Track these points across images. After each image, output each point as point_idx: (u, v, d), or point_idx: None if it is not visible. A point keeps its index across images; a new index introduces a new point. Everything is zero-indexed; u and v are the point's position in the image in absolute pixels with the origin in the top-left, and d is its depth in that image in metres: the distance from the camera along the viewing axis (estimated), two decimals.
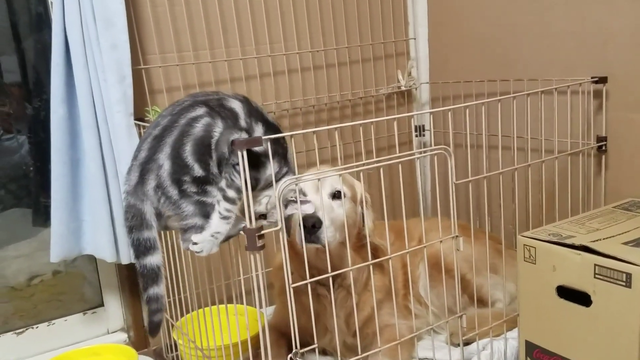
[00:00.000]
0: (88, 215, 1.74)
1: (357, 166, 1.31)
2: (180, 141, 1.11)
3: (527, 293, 1.50)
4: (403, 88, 2.33)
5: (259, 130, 1.20)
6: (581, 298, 1.35)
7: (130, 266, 1.87)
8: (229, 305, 1.64)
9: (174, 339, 1.77)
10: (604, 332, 1.31)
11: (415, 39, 2.37)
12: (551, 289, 1.42)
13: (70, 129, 1.68)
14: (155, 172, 1.11)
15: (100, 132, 1.66)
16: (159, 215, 1.15)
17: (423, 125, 2.38)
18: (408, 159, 1.30)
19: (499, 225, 1.90)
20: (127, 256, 1.73)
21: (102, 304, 2.01)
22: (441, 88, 2.29)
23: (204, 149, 1.12)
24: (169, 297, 1.84)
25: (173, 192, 1.11)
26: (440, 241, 1.49)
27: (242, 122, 1.18)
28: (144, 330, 1.96)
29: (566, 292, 1.39)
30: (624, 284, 1.25)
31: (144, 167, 1.12)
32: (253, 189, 1.11)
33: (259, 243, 1.12)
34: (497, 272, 1.79)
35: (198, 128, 1.12)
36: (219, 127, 1.14)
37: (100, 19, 1.60)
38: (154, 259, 1.13)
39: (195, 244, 1.14)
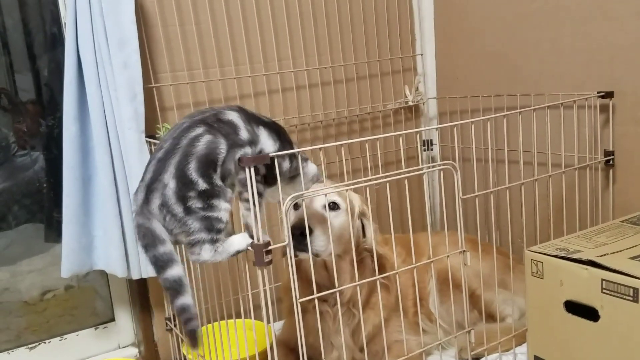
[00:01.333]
0: (99, 231, 1.76)
1: (365, 181, 1.32)
2: (185, 161, 1.14)
3: (535, 308, 1.50)
4: (410, 103, 2.35)
5: (262, 133, 1.24)
6: (589, 313, 1.35)
7: (142, 281, 1.89)
8: (237, 320, 1.65)
9: (183, 354, 1.78)
10: (612, 347, 1.31)
11: (422, 54, 2.39)
12: (559, 303, 1.42)
13: (82, 145, 1.71)
14: (160, 191, 1.14)
15: (112, 149, 1.70)
16: (170, 231, 1.18)
17: (431, 140, 2.40)
18: (416, 174, 1.31)
19: (507, 239, 1.91)
20: (137, 271, 1.75)
21: (113, 319, 2.03)
22: (448, 103, 2.30)
23: (207, 164, 1.15)
24: None
25: (178, 209, 1.13)
26: (448, 256, 1.49)
27: (244, 132, 1.21)
28: (155, 345, 1.98)
29: (574, 307, 1.39)
30: (631, 298, 1.25)
31: (150, 187, 1.15)
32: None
33: (267, 258, 1.13)
34: (507, 287, 1.79)
35: (200, 147, 1.15)
36: (222, 145, 1.16)
37: (113, 39, 1.64)
38: (174, 272, 1.15)
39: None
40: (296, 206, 1.46)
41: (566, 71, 1.92)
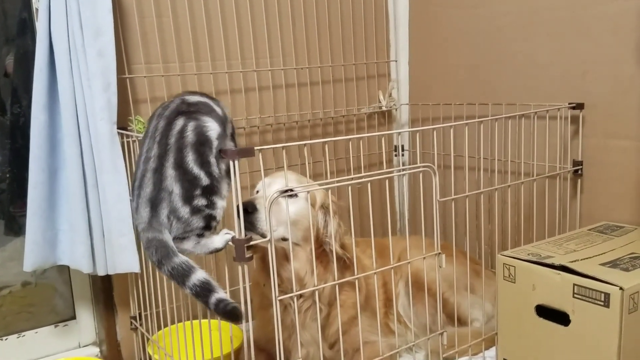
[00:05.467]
0: (65, 225, 1.70)
1: (344, 180, 1.32)
2: (181, 155, 1.12)
3: (506, 311, 1.52)
4: (384, 108, 2.36)
5: (224, 112, 1.24)
6: (560, 317, 1.38)
7: (106, 278, 1.83)
8: (203, 321, 1.62)
9: (148, 353, 1.73)
10: (582, 351, 1.34)
11: (396, 61, 2.41)
12: (530, 307, 1.44)
13: (51, 136, 1.65)
14: (167, 200, 1.12)
15: (82, 140, 1.64)
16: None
17: (403, 145, 2.42)
18: (394, 175, 1.31)
19: (474, 245, 1.94)
20: (103, 268, 1.69)
21: (74, 317, 1.96)
22: (421, 110, 2.33)
23: (203, 149, 1.13)
24: (145, 310, 1.82)
25: (185, 211, 1.12)
26: (424, 257, 1.51)
27: (217, 109, 1.21)
28: (118, 344, 1.92)
29: (545, 311, 1.42)
30: (602, 303, 1.28)
31: (154, 199, 1.13)
32: None
33: (247, 254, 1.12)
34: (475, 291, 1.82)
35: (190, 136, 1.13)
36: (209, 123, 1.15)
37: (88, 27, 1.59)
38: (197, 276, 1.13)
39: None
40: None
41: (539, 83, 1.97)
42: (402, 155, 2.41)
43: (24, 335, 1.89)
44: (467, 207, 1.56)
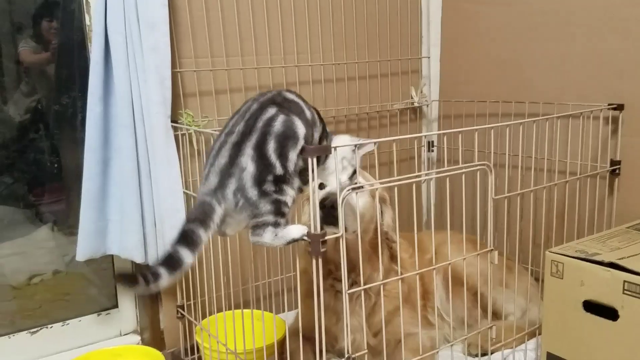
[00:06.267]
0: (115, 215, 1.73)
1: (410, 178, 1.36)
2: (263, 141, 1.14)
3: (552, 306, 1.57)
4: (416, 104, 2.40)
5: (313, 116, 1.25)
6: (608, 312, 1.43)
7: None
8: (247, 310, 1.66)
9: (197, 341, 1.77)
10: (630, 345, 1.39)
11: (429, 57, 2.45)
12: (578, 303, 1.49)
13: (105, 127, 1.67)
14: (237, 176, 1.13)
15: (137, 132, 1.67)
16: (222, 221, 1.18)
17: (433, 141, 2.46)
18: (453, 174, 1.36)
19: (513, 242, 1.98)
20: (155, 258, 1.73)
21: (116, 305, 1.99)
22: (453, 106, 2.37)
23: (286, 143, 1.15)
24: (189, 300, 1.85)
25: (253, 193, 1.13)
26: (478, 254, 1.55)
27: (308, 112, 1.23)
28: (161, 333, 1.96)
29: (593, 307, 1.47)
30: None
31: (225, 172, 1.14)
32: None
33: (322, 248, 1.16)
34: (508, 286, 1.87)
35: (277, 126, 1.15)
36: (297, 122, 1.18)
37: (144, 22, 1.62)
38: (186, 252, 1.13)
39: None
40: (321, 186, 1.46)
41: (573, 82, 2.00)
42: (432, 151, 2.46)
43: (67, 324, 1.92)
44: (518, 203, 1.59)
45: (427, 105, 2.47)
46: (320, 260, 1.18)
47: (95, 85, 1.63)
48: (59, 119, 1.94)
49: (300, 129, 1.17)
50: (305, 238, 1.18)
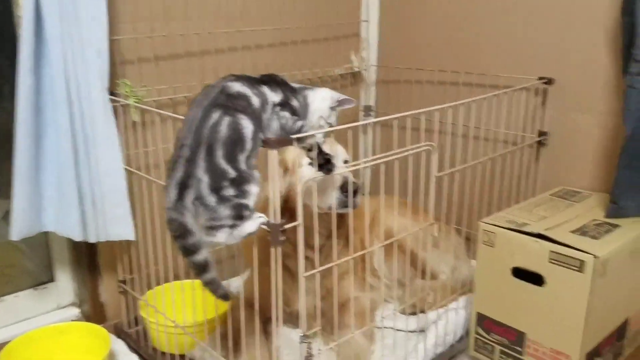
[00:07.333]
0: (51, 192, 1.66)
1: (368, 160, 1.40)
2: (211, 151, 1.15)
3: (484, 272, 1.69)
4: (356, 69, 2.41)
5: (265, 91, 1.25)
6: (535, 278, 1.56)
7: (89, 243, 1.82)
8: (187, 281, 1.67)
9: (142, 315, 1.77)
10: (553, 308, 1.53)
11: (367, 21, 2.44)
12: (507, 269, 1.61)
13: (37, 101, 1.58)
14: (194, 187, 1.15)
15: (72, 107, 1.59)
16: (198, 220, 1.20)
17: (370, 106, 2.50)
18: (401, 156, 1.41)
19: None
20: (94, 235, 1.69)
21: (52, 279, 1.95)
22: (391, 72, 2.40)
23: (234, 147, 1.15)
24: (131, 273, 1.84)
25: (211, 199, 1.15)
26: (424, 228, 1.63)
27: (255, 100, 1.22)
28: (101, 305, 1.94)
29: (521, 273, 1.60)
30: (577, 269, 1.46)
31: (182, 184, 1.16)
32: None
33: (281, 237, 1.19)
34: (437, 246, 1.99)
35: (222, 131, 1.15)
36: (244, 121, 1.17)
37: None
38: (201, 256, 1.20)
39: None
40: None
41: (511, 56, 2.07)
42: (370, 115, 2.50)
43: (4, 300, 1.86)
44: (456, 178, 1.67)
45: (365, 70, 2.49)
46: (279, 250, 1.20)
47: (27, 57, 1.53)
48: None
49: (247, 128, 1.16)
50: (265, 227, 1.20)
